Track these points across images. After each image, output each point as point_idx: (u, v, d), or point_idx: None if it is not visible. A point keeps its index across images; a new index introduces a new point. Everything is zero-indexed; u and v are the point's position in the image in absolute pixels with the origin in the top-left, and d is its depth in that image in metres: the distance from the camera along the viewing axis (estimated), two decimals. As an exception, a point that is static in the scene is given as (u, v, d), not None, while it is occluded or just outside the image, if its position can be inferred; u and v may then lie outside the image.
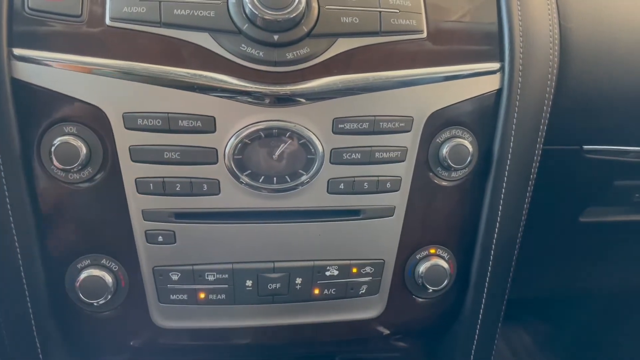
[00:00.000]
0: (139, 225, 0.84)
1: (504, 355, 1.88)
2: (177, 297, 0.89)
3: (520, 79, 0.87)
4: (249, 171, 0.82)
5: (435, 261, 0.94)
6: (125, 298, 0.88)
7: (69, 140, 0.78)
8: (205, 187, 0.82)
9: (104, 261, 0.86)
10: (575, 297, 1.74)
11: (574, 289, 1.52)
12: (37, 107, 0.78)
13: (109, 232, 0.85)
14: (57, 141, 0.78)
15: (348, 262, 0.91)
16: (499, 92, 0.88)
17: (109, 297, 0.86)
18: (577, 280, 1.40)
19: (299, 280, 0.90)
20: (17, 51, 0.76)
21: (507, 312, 1.02)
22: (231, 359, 1.07)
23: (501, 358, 1.84)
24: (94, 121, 0.79)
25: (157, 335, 0.92)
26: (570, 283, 1.42)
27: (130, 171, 0.81)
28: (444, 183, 0.90)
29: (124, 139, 0.79)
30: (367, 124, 0.82)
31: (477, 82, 0.87)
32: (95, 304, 0.86)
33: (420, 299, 0.98)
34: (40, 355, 0.89)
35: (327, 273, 0.91)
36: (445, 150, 0.87)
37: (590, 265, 1.36)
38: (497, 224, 0.93)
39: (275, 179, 0.83)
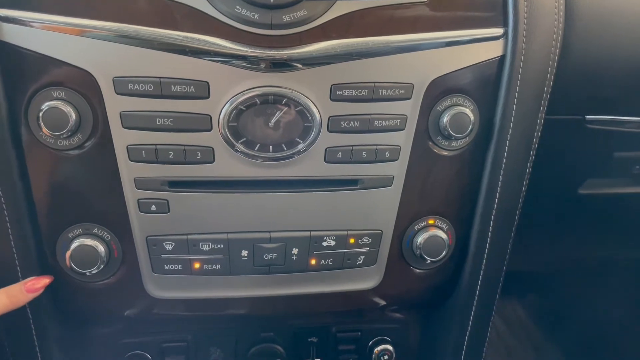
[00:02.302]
0: (131, 194, 0.82)
1: (497, 327, 1.90)
2: (171, 267, 0.87)
3: (524, 45, 0.84)
4: (244, 139, 0.79)
5: (434, 232, 0.92)
6: (118, 268, 0.87)
7: (58, 105, 0.75)
8: (199, 155, 0.80)
9: (96, 230, 0.84)
10: (569, 270, 1.74)
11: (570, 262, 1.52)
12: (24, 70, 0.75)
13: (100, 201, 0.83)
14: (45, 106, 0.75)
15: (345, 232, 0.90)
16: (502, 59, 0.85)
17: (102, 267, 0.84)
18: (574, 252, 1.40)
19: (295, 251, 0.89)
20: (3, 12, 0.72)
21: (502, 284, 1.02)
22: (226, 331, 1.06)
23: (494, 330, 1.85)
24: (83, 86, 0.76)
25: (151, 305, 0.91)
26: (568, 255, 1.42)
27: (122, 138, 0.78)
28: (444, 152, 0.88)
29: (115, 105, 0.77)
30: (366, 90, 0.80)
31: (479, 48, 0.84)
32: (87, 273, 0.84)
33: (418, 270, 0.97)
34: (33, 327, 0.88)
35: (324, 243, 0.90)
36: (445, 118, 0.85)
37: (588, 237, 1.35)
38: (497, 194, 0.91)
39: (271, 147, 0.81)
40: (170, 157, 0.79)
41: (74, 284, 0.87)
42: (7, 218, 0.80)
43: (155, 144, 0.79)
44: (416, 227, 0.93)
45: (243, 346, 1.06)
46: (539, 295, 1.98)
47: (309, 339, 1.09)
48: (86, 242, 0.83)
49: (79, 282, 0.87)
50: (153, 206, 0.83)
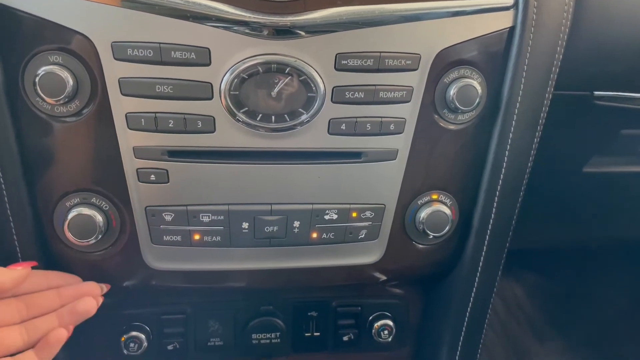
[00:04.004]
0: (130, 163, 0.80)
1: (494, 305, 1.90)
2: (171, 238, 0.86)
3: (534, 16, 0.82)
4: (246, 108, 0.77)
5: (437, 207, 0.91)
6: (117, 238, 0.86)
7: (54, 70, 0.73)
8: (200, 124, 0.78)
9: (94, 200, 0.83)
10: (567, 249, 1.73)
11: (572, 241, 1.51)
12: (20, 34, 0.73)
13: (98, 170, 0.81)
14: (41, 71, 0.73)
15: (348, 206, 0.88)
16: (511, 30, 0.83)
17: (100, 237, 0.83)
18: (576, 231, 1.39)
19: (296, 224, 0.88)
20: None
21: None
22: (226, 304, 1.05)
23: (492, 308, 1.85)
24: (81, 50, 0.74)
25: (149, 277, 0.90)
26: (570, 234, 1.41)
27: (120, 105, 0.76)
28: (450, 126, 0.86)
29: (113, 71, 0.75)
30: (371, 60, 0.78)
31: (488, 18, 0.82)
32: (85, 243, 0.83)
33: (420, 246, 0.95)
34: None
35: (326, 217, 0.88)
36: (452, 91, 0.83)
37: (591, 216, 1.34)
38: (503, 170, 0.90)
39: (273, 117, 0.79)
40: (170, 125, 0.77)
41: (72, 254, 0.86)
42: (3, 186, 0.79)
43: (155, 112, 0.77)
44: (419, 202, 0.91)
45: (242, 319, 1.05)
46: (539, 274, 1.97)
47: (309, 313, 1.09)
48: (84, 212, 0.82)
49: (77, 252, 0.86)
50: (152, 176, 0.81)
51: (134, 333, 1.00)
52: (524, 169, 0.92)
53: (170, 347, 1.04)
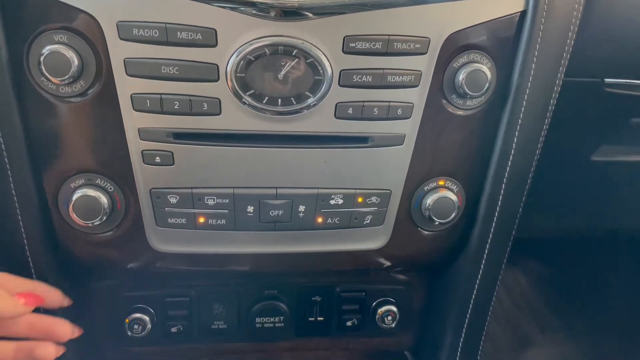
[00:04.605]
0: (135, 145, 0.79)
1: (498, 293, 1.89)
2: (176, 220, 0.86)
3: (546, 0, 0.80)
4: (252, 91, 0.76)
5: (444, 193, 0.90)
6: (122, 220, 0.85)
7: (60, 49, 0.72)
8: (206, 106, 0.77)
9: (98, 181, 0.82)
10: (573, 239, 1.72)
11: (578, 230, 1.50)
12: (25, 12, 0.72)
13: (103, 151, 0.81)
14: (46, 50, 0.72)
15: (353, 191, 0.88)
16: (523, 14, 0.82)
17: (104, 218, 0.83)
18: (582, 221, 1.38)
19: (302, 208, 0.87)
20: None
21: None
22: (230, 287, 1.05)
23: (495, 296, 1.85)
24: (86, 30, 0.73)
25: (154, 259, 0.90)
26: (576, 223, 1.40)
27: (126, 86, 0.76)
28: (459, 112, 0.85)
29: (119, 51, 0.74)
30: (380, 43, 0.77)
31: (499, 2, 0.80)
32: (90, 225, 0.83)
33: (425, 232, 0.95)
34: (34, 278, 0.87)
35: (332, 201, 0.88)
36: (461, 76, 0.81)
37: (598, 206, 1.33)
38: (511, 157, 0.89)
39: (279, 100, 0.78)
40: (175, 107, 0.77)
41: (76, 236, 0.86)
42: (7, 166, 0.79)
43: (160, 94, 0.76)
44: (426, 188, 0.91)
45: (246, 303, 1.05)
46: (543, 263, 1.96)
47: (313, 298, 1.08)
48: (89, 193, 0.81)
49: (81, 233, 0.86)
50: (157, 158, 0.80)
51: (138, 315, 1.00)
52: (532, 156, 0.91)
53: (174, 330, 1.04)
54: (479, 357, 1.05)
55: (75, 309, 0.96)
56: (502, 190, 0.91)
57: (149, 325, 1.00)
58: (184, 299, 1.04)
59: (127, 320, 1.00)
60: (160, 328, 1.04)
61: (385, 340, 1.15)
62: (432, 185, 0.91)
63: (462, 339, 1.03)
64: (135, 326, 0.99)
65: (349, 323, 1.11)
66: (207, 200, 0.84)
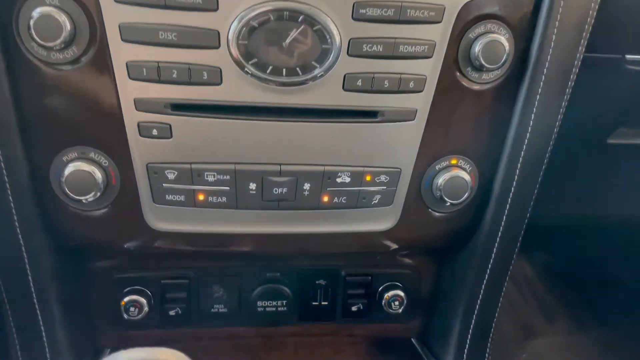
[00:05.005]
0: (130, 116, 0.75)
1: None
2: (173, 197, 0.82)
3: None
4: (255, 60, 0.72)
5: (456, 173, 0.86)
6: (117, 196, 0.81)
7: (51, 12, 0.68)
8: (206, 75, 0.73)
9: (92, 155, 0.78)
10: (582, 227, 1.68)
11: (589, 218, 1.46)
12: None
13: (97, 122, 0.76)
14: (36, 13, 0.68)
15: (361, 169, 0.83)
16: None
17: (98, 194, 0.79)
18: (593, 207, 1.33)
19: (307, 186, 0.83)
20: None
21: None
22: (231, 270, 1.01)
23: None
24: None
25: (151, 238, 0.86)
26: (586, 209, 1.35)
27: (121, 52, 0.71)
28: (474, 86, 0.81)
29: (113, 15, 0.69)
30: (392, 10, 0.72)
31: None
32: (83, 201, 0.79)
33: (436, 213, 0.91)
34: (26, 259, 0.83)
35: (338, 180, 0.83)
36: (478, 47, 0.77)
37: (611, 192, 1.28)
38: (527, 134, 0.84)
39: (284, 70, 0.73)
40: (173, 76, 0.72)
41: (70, 212, 0.82)
42: None
43: (158, 61, 0.72)
44: (437, 167, 0.86)
45: (248, 286, 1.01)
46: (550, 253, 1.94)
47: (317, 282, 1.05)
48: (82, 167, 0.78)
49: (75, 210, 0.82)
50: (154, 130, 0.76)
51: (134, 297, 0.96)
52: (550, 134, 0.86)
53: (172, 313, 1.00)
54: (489, 345, 1.01)
55: (70, 290, 0.93)
56: (517, 170, 0.87)
57: (146, 308, 0.97)
58: (183, 281, 1.00)
59: (123, 303, 0.96)
60: (158, 311, 1.00)
61: (391, 326, 1.12)
62: (445, 164, 0.86)
63: (472, 326, 0.99)
64: (132, 309, 0.96)
65: (354, 308, 1.07)
66: (207, 177, 0.80)
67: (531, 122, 0.84)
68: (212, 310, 1.02)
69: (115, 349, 1.00)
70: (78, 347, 0.96)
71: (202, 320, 1.03)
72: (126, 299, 0.96)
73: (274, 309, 1.01)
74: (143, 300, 0.96)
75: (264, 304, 1.00)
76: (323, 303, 1.06)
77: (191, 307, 1.01)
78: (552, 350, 1.66)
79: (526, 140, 0.85)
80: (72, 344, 0.94)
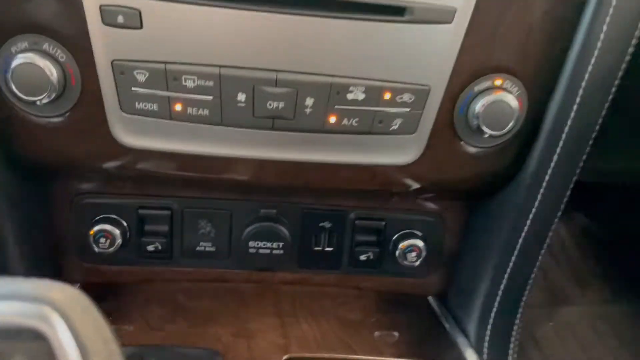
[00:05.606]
0: None
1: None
2: (145, 106, 0.67)
3: None
4: None
5: (500, 96, 0.69)
6: (77, 101, 0.68)
7: None
8: None
9: (46, 46, 0.64)
10: (629, 187, 1.52)
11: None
12: None
13: (51, 5, 0.62)
14: None
15: (380, 83, 0.67)
16: None
17: (54, 95, 0.65)
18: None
19: (309, 102, 0.67)
20: None
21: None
22: (220, 203, 0.88)
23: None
24: None
25: (119, 156, 0.72)
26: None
27: None
28: None
29: None
30: None
31: None
32: (37, 103, 0.65)
33: (471, 147, 0.74)
34: None
35: (350, 96, 0.67)
36: None
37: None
38: (596, 50, 0.67)
39: None
40: None
41: (21, 118, 0.68)
42: None
43: None
44: (476, 88, 0.70)
45: (239, 223, 0.88)
46: (589, 215, 1.81)
47: (321, 224, 0.90)
48: (33, 61, 0.63)
49: (27, 115, 0.68)
50: (120, 17, 0.62)
51: (105, 226, 0.83)
52: (623, 55, 0.68)
53: (150, 248, 0.87)
54: (519, 311, 0.86)
55: (31, 217, 0.81)
56: (578, 97, 0.69)
57: (119, 241, 0.84)
58: (163, 212, 0.87)
59: (91, 232, 0.83)
60: (135, 245, 0.88)
61: (405, 281, 0.97)
62: (486, 84, 0.70)
63: (502, 288, 0.83)
64: (102, 240, 0.83)
65: (363, 257, 0.93)
66: (185, 81, 0.66)
67: (602, 34, 0.66)
68: (197, 248, 0.89)
69: (86, 285, 0.90)
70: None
71: (185, 259, 0.91)
72: (96, 228, 0.83)
73: (268, 251, 0.87)
74: (116, 231, 0.83)
75: (257, 244, 0.87)
76: (327, 249, 0.92)
77: (173, 243, 0.89)
78: (582, 320, 1.56)
79: (593, 58, 0.67)
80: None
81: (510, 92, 0.70)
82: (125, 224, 0.86)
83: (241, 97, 0.66)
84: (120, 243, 0.84)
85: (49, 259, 0.87)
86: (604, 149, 1.03)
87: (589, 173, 1.22)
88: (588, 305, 1.62)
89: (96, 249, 0.84)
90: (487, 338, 0.86)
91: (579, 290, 1.66)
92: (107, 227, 0.83)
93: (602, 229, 1.78)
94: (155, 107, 0.67)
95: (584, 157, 0.75)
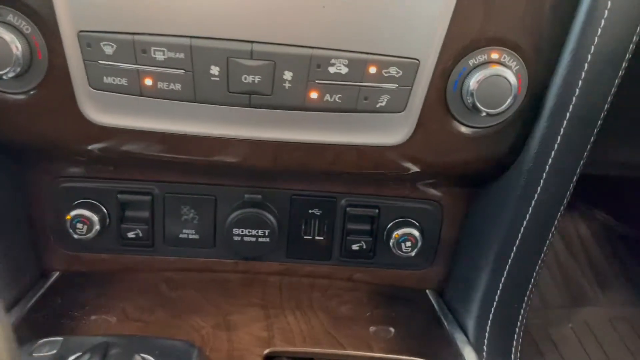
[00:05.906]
0: None
1: (551, 242, 1.67)
2: (113, 80, 0.64)
3: None
4: None
5: (497, 70, 0.64)
6: (45, 77, 0.65)
7: None
8: None
9: (10, 17, 0.62)
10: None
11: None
12: None
13: None
14: None
15: (364, 56, 0.63)
16: None
17: (19, 69, 0.63)
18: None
19: (288, 75, 0.63)
20: None
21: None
22: (202, 188, 0.85)
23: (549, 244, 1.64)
24: None
25: (89, 135, 0.69)
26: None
27: None
28: None
29: None
30: None
31: None
32: (3, 77, 0.63)
33: (466, 128, 0.69)
34: None
35: (332, 69, 0.63)
36: None
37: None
38: (603, 20, 0.61)
39: None
40: None
41: None
42: None
43: None
44: (471, 62, 0.65)
45: (223, 209, 0.85)
46: (611, 212, 1.76)
47: (310, 211, 0.86)
48: None
49: None
50: None
51: (82, 211, 0.80)
52: (637, 19, 0.62)
53: (131, 235, 0.84)
54: (524, 307, 0.80)
55: (6, 201, 0.79)
56: (583, 72, 0.64)
57: (97, 227, 0.81)
58: (144, 198, 0.84)
59: (68, 217, 0.80)
60: (114, 232, 0.85)
61: (401, 273, 0.93)
62: (482, 57, 0.65)
63: (503, 280, 0.78)
64: (79, 225, 0.80)
65: (355, 247, 0.89)
66: (155, 53, 0.62)
67: (607, 10, 0.60)
68: (180, 235, 0.86)
69: (66, 274, 0.87)
70: (17, 271, 0.82)
71: (167, 246, 0.88)
72: (73, 213, 0.80)
73: (253, 239, 0.83)
74: (94, 217, 0.81)
75: (241, 232, 0.83)
76: (317, 238, 0.89)
77: (154, 230, 0.86)
78: (603, 322, 1.53)
79: (600, 29, 0.61)
80: (10, 266, 0.80)
81: (508, 67, 0.65)
82: (104, 209, 0.83)
83: (214, 70, 0.63)
84: (98, 229, 0.82)
85: (28, 246, 0.85)
86: (625, 137, 0.97)
87: (610, 165, 1.16)
88: (609, 306, 1.58)
89: (75, 235, 0.81)
90: (486, 335, 0.80)
91: (600, 291, 1.62)
92: (85, 212, 0.81)
93: (625, 227, 1.73)
94: (124, 81, 0.64)
95: (592, 139, 0.70)
